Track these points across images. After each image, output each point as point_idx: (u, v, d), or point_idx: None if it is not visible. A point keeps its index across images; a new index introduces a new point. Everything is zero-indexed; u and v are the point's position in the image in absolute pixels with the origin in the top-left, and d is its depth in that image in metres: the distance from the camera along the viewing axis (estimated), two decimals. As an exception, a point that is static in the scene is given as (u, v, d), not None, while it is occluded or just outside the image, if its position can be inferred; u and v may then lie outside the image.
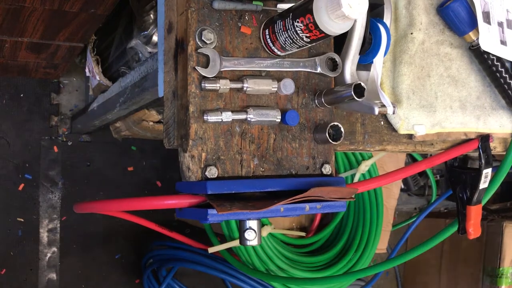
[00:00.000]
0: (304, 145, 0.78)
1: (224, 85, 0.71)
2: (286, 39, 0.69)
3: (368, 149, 0.92)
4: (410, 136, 0.94)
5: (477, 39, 0.89)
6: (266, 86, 0.74)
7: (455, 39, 0.94)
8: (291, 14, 0.67)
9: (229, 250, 1.57)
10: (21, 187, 1.90)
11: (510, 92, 0.95)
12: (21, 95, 1.92)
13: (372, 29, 0.81)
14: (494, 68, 0.93)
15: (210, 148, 0.71)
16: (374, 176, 1.57)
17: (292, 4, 0.68)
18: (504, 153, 1.02)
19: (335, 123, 0.76)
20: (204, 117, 0.70)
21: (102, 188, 2.02)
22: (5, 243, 1.86)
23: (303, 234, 1.68)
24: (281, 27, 0.69)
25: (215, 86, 0.71)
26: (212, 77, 0.71)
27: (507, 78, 0.94)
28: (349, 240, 1.65)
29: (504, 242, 1.73)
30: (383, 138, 0.92)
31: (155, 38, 1.31)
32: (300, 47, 0.70)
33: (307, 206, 0.74)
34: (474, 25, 0.89)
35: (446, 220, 1.91)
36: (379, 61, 0.84)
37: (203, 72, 0.70)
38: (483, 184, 1.00)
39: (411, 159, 1.94)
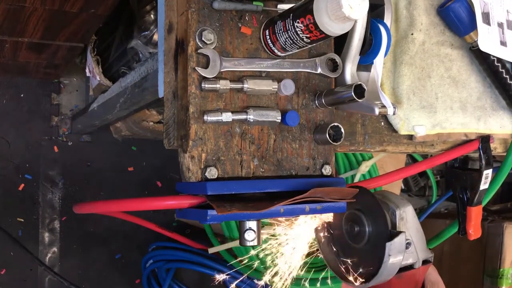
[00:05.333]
0: (304, 145, 0.78)
1: (224, 85, 0.71)
2: (287, 39, 0.69)
3: (368, 149, 0.91)
4: (411, 137, 0.94)
5: (478, 40, 0.89)
6: (266, 87, 0.74)
7: (456, 39, 0.94)
8: (291, 14, 0.67)
9: (229, 250, 1.57)
10: (21, 187, 1.90)
11: (510, 93, 0.95)
12: (22, 95, 1.92)
13: (373, 30, 0.81)
14: (494, 69, 0.93)
15: (210, 148, 0.71)
16: (375, 176, 1.57)
17: (293, 5, 0.68)
18: (505, 153, 1.01)
19: (336, 124, 0.76)
20: (204, 118, 0.70)
21: (102, 188, 2.02)
22: (5, 243, 1.86)
23: (303, 234, 1.68)
24: (282, 27, 0.69)
25: (215, 86, 0.71)
26: (212, 77, 0.71)
27: (508, 79, 0.94)
28: (349, 241, 1.64)
29: (505, 243, 1.73)
30: (384, 138, 0.92)
31: (155, 38, 1.31)
32: (300, 47, 0.70)
33: (307, 206, 0.73)
34: (474, 25, 0.89)
35: (447, 221, 1.90)
36: (379, 61, 0.83)
37: (203, 72, 0.70)
38: (483, 185, 1.00)
39: (412, 159, 1.94)
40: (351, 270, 0.84)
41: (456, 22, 0.91)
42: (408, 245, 0.79)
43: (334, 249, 0.87)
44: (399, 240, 0.76)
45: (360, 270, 0.83)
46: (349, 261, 0.84)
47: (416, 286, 0.84)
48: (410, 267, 0.81)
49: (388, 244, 0.76)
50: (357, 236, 0.82)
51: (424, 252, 0.83)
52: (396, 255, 0.77)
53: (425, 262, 0.83)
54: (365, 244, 0.81)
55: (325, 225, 0.88)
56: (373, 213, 0.80)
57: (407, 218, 0.80)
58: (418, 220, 0.83)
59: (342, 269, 0.85)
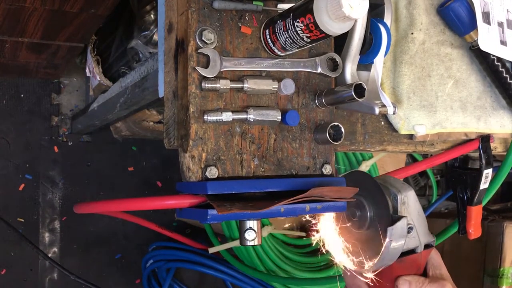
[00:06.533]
0: (304, 145, 0.78)
1: (224, 85, 0.71)
2: (287, 39, 0.69)
3: (368, 149, 0.91)
4: (411, 136, 0.94)
5: (478, 39, 0.89)
6: (266, 86, 0.74)
7: (456, 39, 0.94)
8: (291, 14, 0.67)
9: (229, 250, 1.57)
10: (21, 187, 1.90)
11: (510, 92, 0.95)
12: (22, 95, 1.92)
13: (373, 29, 0.81)
14: (494, 68, 0.93)
15: (210, 148, 0.71)
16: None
17: (293, 4, 0.68)
18: (505, 153, 1.01)
19: (336, 123, 0.76)
20: (204, 117, 0.70)
21: (102, 188, 2.03)
22: (5, 243, 1.86)
23: (303, 234, 1.68)
24: (282, 27, 0.69)
25: (215, 86, 0.71)
26: (212, 77, 0.71)
27: (508, 79, 0.94)
28: (349, 240, 1.64)
29: (505, 242, 1.73)
30: (384, 138, 0.92)
31: (155, 38, 1.31)
32: (300, 47, 0.70)
33: (307, 206, 0.73)
34: (474, 25, 0.89)
35: (447, 221, 1.91)
36: (379, 61, 0.83)
37: (203, 72, 0.70)
38: (483, 185, 1.00)
39: (412, 159, 1.94)
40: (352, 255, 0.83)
41: (456, 22, 0.91)
42: (409, 229, 0.78)
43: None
44: (400, 225, 0.76)
45: (361, 255, 0.82)
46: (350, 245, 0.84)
47: (418, 270, 0.83)
48: (412, 251, 0.81)
49: (389, 229, 0.75)
50: (359, 221, 0.82)
51: (426, 236, 0.82)
52: (398, 240, 0.77)
53: (427, 246, 0.83)
54: (367, 229, 0.81)
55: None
56: (375, 197, 0.80)
57: (409, 202, 0.80)
58: (420, 205, 0.82)
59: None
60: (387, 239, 0.76)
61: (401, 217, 0.77)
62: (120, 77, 1.41)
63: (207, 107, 0.71)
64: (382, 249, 0.76)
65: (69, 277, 1.91)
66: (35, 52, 1.53)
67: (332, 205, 0.76)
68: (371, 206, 0.81)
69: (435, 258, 0.85)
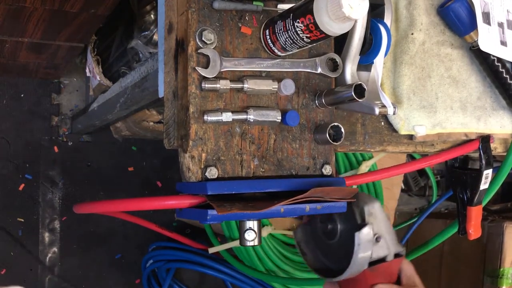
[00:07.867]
0: (304, 145, 0.78)
1: (224, 85, 0.71)
2: (287, 39, 0.69)
3: (368, 149, 0.91)
4: (411, 137, 0.94)
5: (478, 39, 0.89)
6: (266, 87, 0.74)
7: (456, 39, 0.94)
8: (291, 14, 0.67)
9: (229, 250, 1.57)
10: (21, 187, 1.90)
11: (510, 92, 0.95)
12: (22, 95, 1.92)
13: (373, 30, 0.81)
14: (494, 69, 0.93)
15: (210, 148, 0.71)
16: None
17: (293, 5, 0.68)
18: (505, 153, 1.01)
19: (336, 124, 0.76)
20: (204, 118, 0.70)
21: (102, 188, 2.02)
22: (5, 243, 1.86)
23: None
24: (282, 27, 0.69)
25: (215, 86, 0.71)
26: (212, 77, 0.71)
27: (508, 79, 0.94)
28: (349, 241, 1.64)
29: (505, 242, 1.73)
30: (384, 138, 0.92)
31: (155, 38, 1.31)
32: (300, 47, 0.70)
33: (307, 206, 0.73)
34: (474, 25, 0.89)
35: (447, 221, 1.90)
36: (379, 61, 0.83)
37: (203, 72, 0.70)
38: (483, 185, 1.00)
39: (411, 159, 1.94)
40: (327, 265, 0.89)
41: (456, 22, 0.91)
42: (378, 238, 0.83)
43: (312, 247, 0.92)
44: (366, 231, 0.81)
45: (335, 264, 0.87)
46: (325, 257, 0.89)
47: (391, 278, 0.87)
48: (382, 260, 0.85)
49: (356, 234, 0.80)
50: (330, 233, 0.87)
51: (395, 246, 0.86)
52: (366, 245, 0.81)
53: (397, 255, 0.87)
54: (338, 240, 0.86)
55: (304, 222, 0.93)
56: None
57: (376, 213, 0.84)
58: (387, 216, 0.87)
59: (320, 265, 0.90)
60: (356, 244, 0.80)
61: (366, 224, 0.81)
62: (120, 77, 1.40)
63: (207, 107, 0.71)
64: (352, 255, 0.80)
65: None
66: (35, 52, 1.53)
67: (332, 206, 0.76)
68: (340, 218, 0.86)
69: (408, 269, 0.89)
